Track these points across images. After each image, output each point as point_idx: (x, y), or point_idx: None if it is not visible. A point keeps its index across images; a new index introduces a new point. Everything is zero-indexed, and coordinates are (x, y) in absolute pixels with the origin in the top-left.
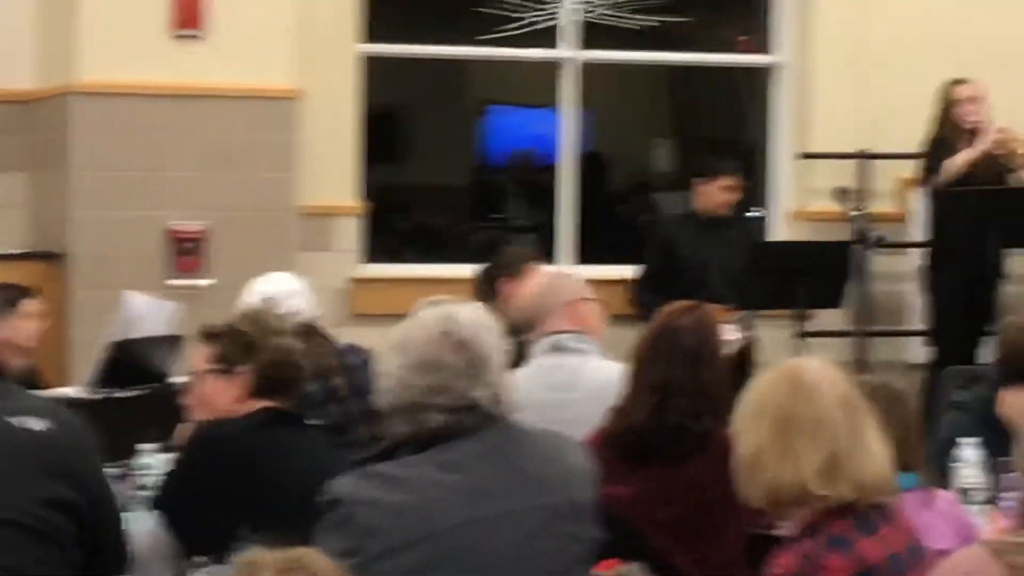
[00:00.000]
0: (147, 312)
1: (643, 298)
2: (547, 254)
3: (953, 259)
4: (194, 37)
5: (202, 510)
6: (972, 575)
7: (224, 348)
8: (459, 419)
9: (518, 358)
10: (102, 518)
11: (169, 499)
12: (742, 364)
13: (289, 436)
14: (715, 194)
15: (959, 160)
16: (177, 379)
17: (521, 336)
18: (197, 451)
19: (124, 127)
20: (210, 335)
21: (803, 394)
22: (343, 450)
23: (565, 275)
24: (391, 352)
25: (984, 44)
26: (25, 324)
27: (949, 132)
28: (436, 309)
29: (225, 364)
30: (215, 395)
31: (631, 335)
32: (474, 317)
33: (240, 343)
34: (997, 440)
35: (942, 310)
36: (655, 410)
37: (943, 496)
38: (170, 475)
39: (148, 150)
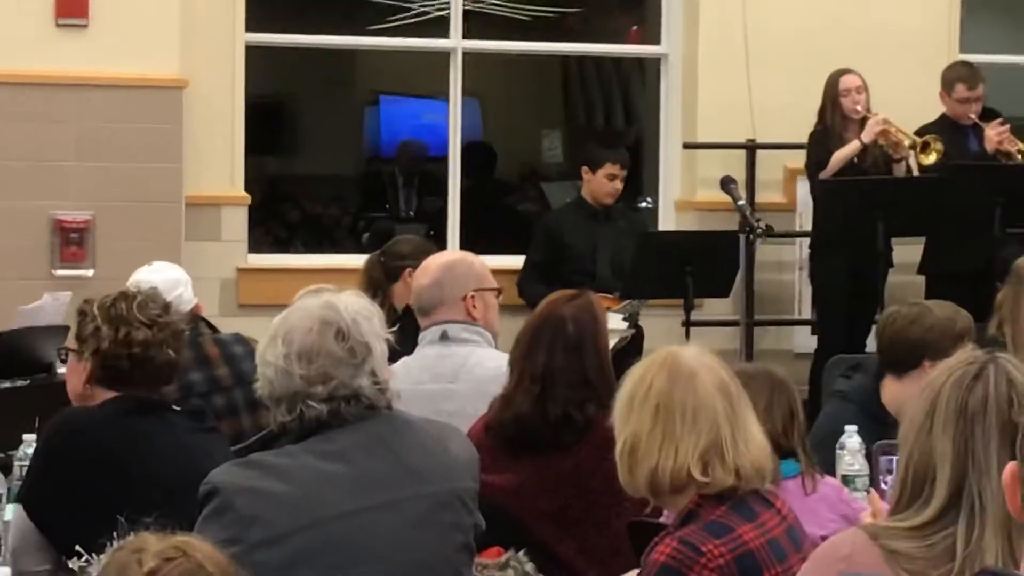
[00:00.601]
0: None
1: (529, 288)
2: (436, 244)
3: (838, 249)
4: (79, 26)
5: (59, 503)
6: (850, 559)
7: (79, 328)
8: (340, 408)
9: (411, 345)
10: None
11: (30, 493)
12: (630, 353)
13: (146, 425)
14: (600, 183)
15: (839, 156)
16: (62, 370)
17: (414, 323)
18: (46, 444)
19: (8, 115)
20: (78, 311)
21: (682, 381)
22: (207, 435)
23: (465, 263)
24: (272, 341)
25: (867, 34)
26: None
27: (836, 122)
28: (317, 298)
29: (78, 344)
30: (70, 373)
31: (519, 325)
32: (355, 306)
33: (89, 326)
34: (878, 429)
35: (827, 299)
36: (538, 399)
37: (827, 482)
38: (29, 469)
39: (33, 139)
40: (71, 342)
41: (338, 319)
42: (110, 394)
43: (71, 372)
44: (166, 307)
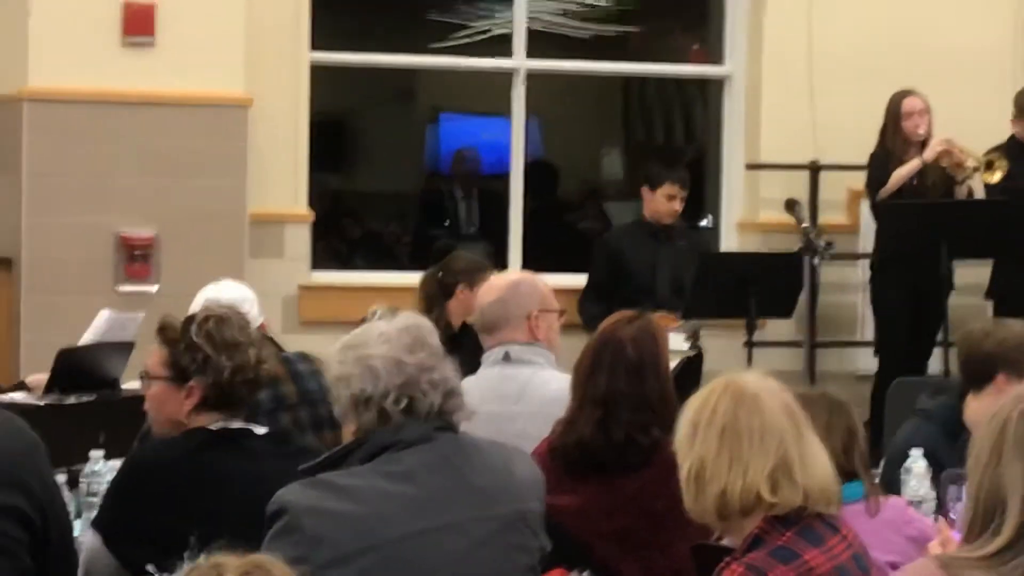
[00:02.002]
0: (109, 325)
1: (587, 308)
2: (497, 262)
3: (899, 270)
4: (146, 44)
5: (134, 536)
6: None
7: (177, 357)
8: (448, 404)
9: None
10: (51, 526)
11: (105, 523)
12: (690, 374)
13: (222, 458)
14: (660, 202)
15: (899, 174)
16: (127, 385)
17: (471, 342)
18: (122, 481)
19: (76, 133)
20: (166, 339)
21: (747, 403)
22: (290, 461)
23: (530, 283)
24: (366, 345)
25: (932, 55)
26: None
27: (897, 144)
28: (393, 315)
29: (176, 373)
30: (166, 403)
31: (578, 345)
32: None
33: (194, 356)
34: (961, 449)
35: (887, 321)
36: (600, 423)
37: (892, 505)
38: (106, 498)
39: (99, 156)
40: (159, 368)
41: (428, 327)
42: (212, 417)
43: (165, 399)
44: (246, 318)
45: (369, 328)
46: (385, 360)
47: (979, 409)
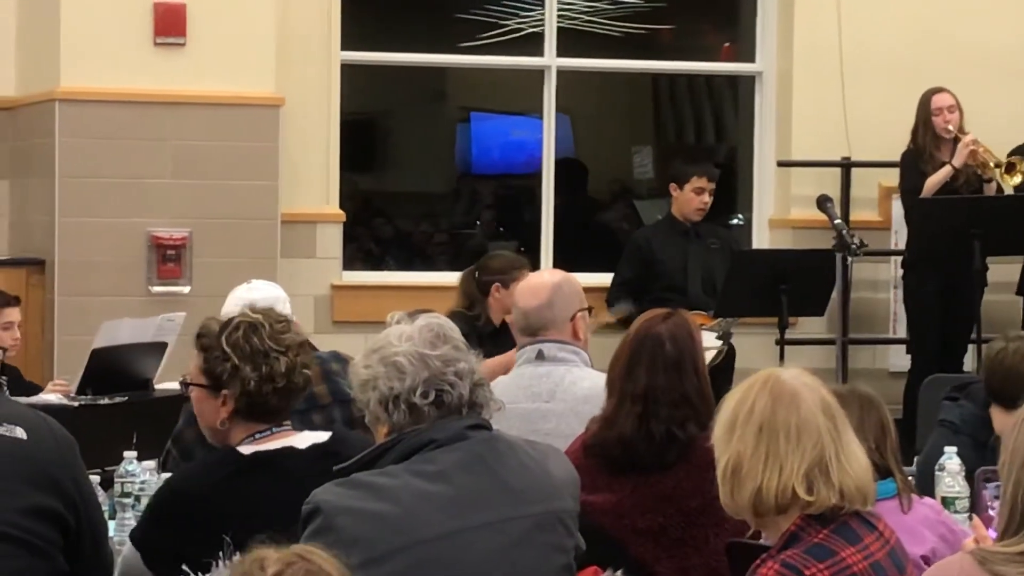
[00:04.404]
0: (132, 331)
1: (622, 306)
2: (530, 261)
3: (932, 267)
4: (177, 45)
5: (169, 558)
6: None
7: (211, 365)
8: (479, 396)
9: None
10: (85, 526)
11: (141, 541)
12: (722, 371)
13: (258, 484)
14: (688, 198)
15: (932, 181)
16: (160, 386)
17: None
18: (166, 505)
19: (107, 134)
20: (202, 346)
21: (784, 401)
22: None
23: (570, 283)
24: (389, 345)
25: (963, 51)
26: (5, 333)
27: (928, 141)
28: (416, 318)
29: (211, 381)
30: (204, 410)
31: (608, 343)
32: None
33: (224, 365)
34: (992, 459)
35: (920, 318)
36: (641, 419)
37: (925, 502)
38: (143, 515)
39: (131, 157)
40: (197, 375)
41: (449, 324)
42: (250, 427)
43: (203, 407)
44: (287, 322)
45: (390, 331)
46: (409, 355)
47: (1003, 422)
